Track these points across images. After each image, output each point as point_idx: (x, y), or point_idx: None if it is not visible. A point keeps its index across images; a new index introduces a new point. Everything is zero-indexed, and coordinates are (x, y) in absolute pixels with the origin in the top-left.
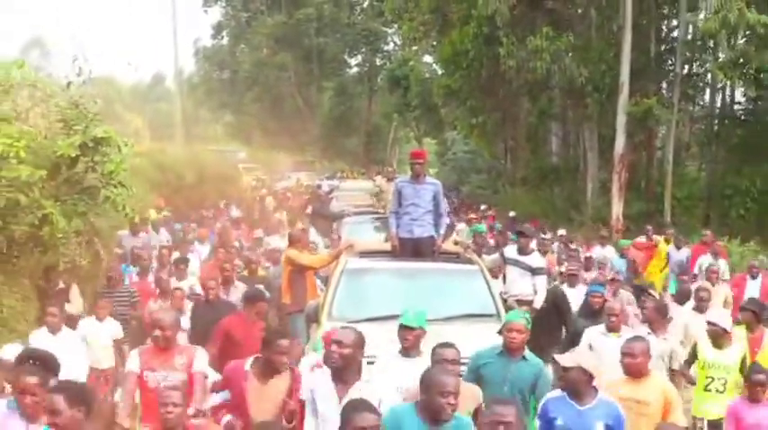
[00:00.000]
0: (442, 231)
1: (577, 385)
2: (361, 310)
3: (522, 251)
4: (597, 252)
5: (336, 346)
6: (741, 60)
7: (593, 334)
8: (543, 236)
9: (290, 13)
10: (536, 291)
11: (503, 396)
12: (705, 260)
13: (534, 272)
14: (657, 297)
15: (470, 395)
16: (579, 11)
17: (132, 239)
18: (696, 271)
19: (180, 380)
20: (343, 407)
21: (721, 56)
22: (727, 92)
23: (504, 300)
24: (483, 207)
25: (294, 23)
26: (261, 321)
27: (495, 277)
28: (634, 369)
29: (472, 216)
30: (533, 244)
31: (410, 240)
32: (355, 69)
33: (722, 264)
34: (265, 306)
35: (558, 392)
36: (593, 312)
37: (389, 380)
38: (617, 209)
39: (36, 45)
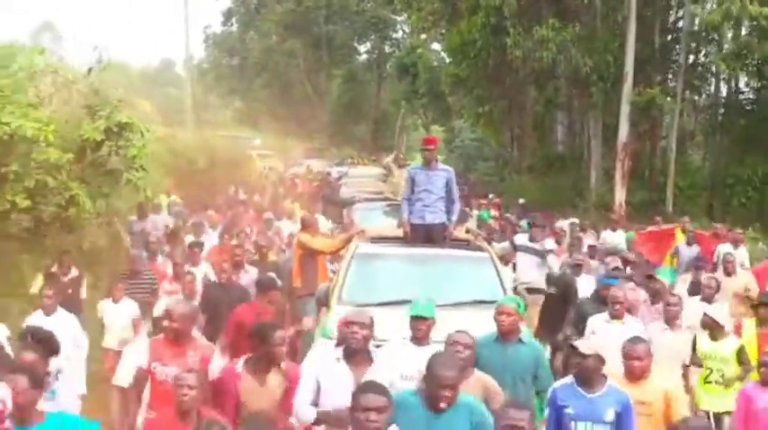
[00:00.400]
0: (454, 218)
1: (592, 373)
2: (372, 295)
3: (534, 239)
4: (609, 237)
5: (358, 328)
6: (744, 51)
7: (597, 321)
8: (556, 224)
9: (300, 0)
10: (549, 267)
11: (506, 382)
12: (724, 249)
13: (545, 254)
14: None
15: (480, 385)
16: (585, 1)
17: (139, 223)
18: (716, 260)
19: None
20: (355, 389)
21: (724, 47)
22: (732, 82)
23: (515, 288)
24: (490, 196)
25: (303, 10)
26: (273, 309)
27: (506, 264)
28: (639, 371)
29: (483, 202)
30: (545, 232)
31: (422, 226)
32: (364, 56)
33: (742, 253)
34: (278, 294)
35: (566, 380)
36: (602, 300)
37: (398, 366)
38: (620, 196)
39: (47, 29)
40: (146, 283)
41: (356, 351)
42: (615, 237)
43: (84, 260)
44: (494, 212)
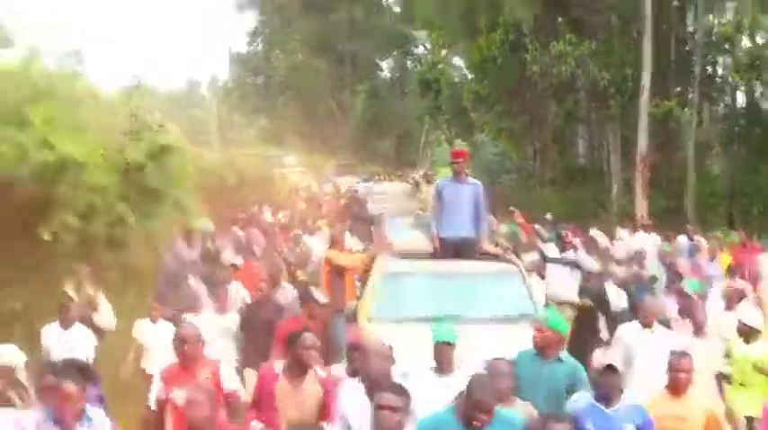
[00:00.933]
0: (483, 231)
1: (610, 388)
2: (399, 311)
3: (564, 249)
4: (641, 239)
5: (382, 360)
6: (757, 62)
7: (627, 330)
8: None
9: (323, 18)
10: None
11: (540, 398)
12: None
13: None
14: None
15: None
16: (601, 18)
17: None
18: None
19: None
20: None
21: (738, 58)
22: (748, 92)
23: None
24: (511, 208)
25: (327, 29)
26: (313, 322)
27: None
28: (684, 385)
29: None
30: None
31: (451, 240)
32: (387, 73)
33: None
34: (315, 306)
35: (584, 395)
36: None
37: (424, 401)
38: (641, 206)
39: (72, 53)
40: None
41: (378, 384)
42: (648, 241)
43: (127, 278)
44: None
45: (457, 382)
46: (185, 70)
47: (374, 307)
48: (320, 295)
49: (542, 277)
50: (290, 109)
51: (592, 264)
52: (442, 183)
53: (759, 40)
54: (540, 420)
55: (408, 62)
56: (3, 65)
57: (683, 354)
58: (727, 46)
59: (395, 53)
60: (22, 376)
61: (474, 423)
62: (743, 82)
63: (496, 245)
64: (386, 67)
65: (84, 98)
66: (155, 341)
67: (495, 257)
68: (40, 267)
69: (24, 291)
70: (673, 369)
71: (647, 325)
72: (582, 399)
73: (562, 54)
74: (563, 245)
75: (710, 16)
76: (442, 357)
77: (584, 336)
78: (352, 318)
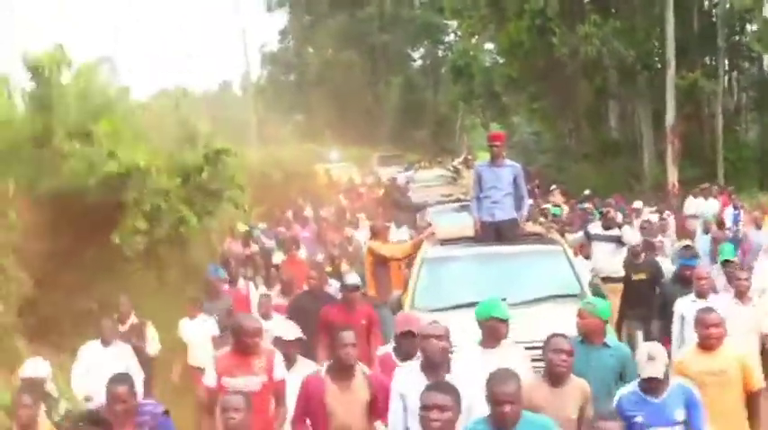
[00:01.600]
0: (525, 212)
1: (659, 383)
2: (444, 299)
3: (608, 226)
4: (700, 205)
5: (436, 340)
6: None
7: (685, 304)
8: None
9: (353, 13)
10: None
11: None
12: None
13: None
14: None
15: (579, 390)
16: None
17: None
18: None
19: (260, 382)
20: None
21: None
22: None
23: (591, 281)
24: (552, 187)
25: (357, 22)
26: (352, 309)
27: (585, 256)
28: (715, 339)
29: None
30: (619, 218)
31: (492, 224)
32: (419, 62)
33: None
34: (357, 295)
35: (630, 387)
36: (684, 281)
37: (472, 374)
38: (672, 176)
39: (105, 60)
40: (222, 305)
41: (437, 364)
42: (709, 206)
43: (188, 274)
44: (562, 202)
45: (505, 354)
46: (217, 70)
47: (417, 295)
48: (352, 278)
49: (587, 257)
50: (325, 104)
51: (635, 238)
52: (480, 168)
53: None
54: (591, 418)
55: (439, 50)
56: (65, 83)
57: (709, 310)
58: (747, 16)
59: (426, 43)
60: (51, 388)
61: (502, 421)
62: (765, 50)
63: (540, 224)
64: (417, 57)
65: (135, 109)
66: (194, 337)
67: (538, 237)
68: (112, 270)
69: (97, 292)
70: (700, 324)
71: (702, 294)
72: (629, 392)
73: (588, 35)
74: (606, 221)
75: None
76: (494, 333)
77: (638, 311)
78: (397, 307)
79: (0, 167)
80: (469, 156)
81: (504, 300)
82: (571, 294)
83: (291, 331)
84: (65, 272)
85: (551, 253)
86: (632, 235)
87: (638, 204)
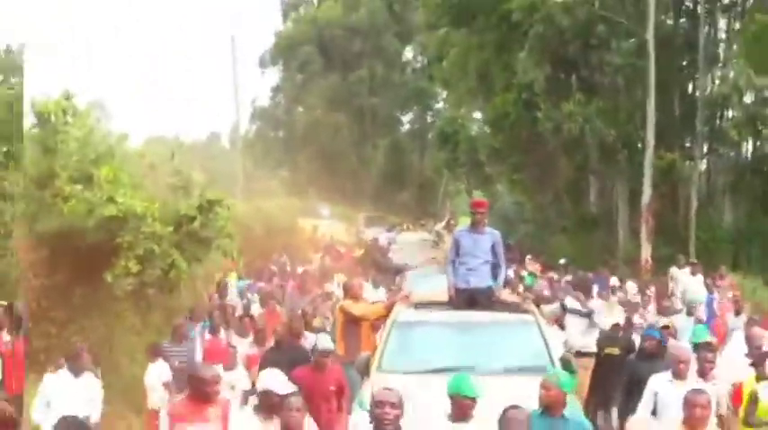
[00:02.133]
0: (501, 281)
1: None
2: (412, 363)
3: (579, 300)
4: (687, 282)
5: (389, 408)
6: (754, 119)
7: (660, 382)
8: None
9: (344, 75)
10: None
11: None
12: None
13: (592, 315)
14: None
15: None
16: (607, 80)
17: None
18: None
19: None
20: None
21: (736, 114)
22: (749, 145)
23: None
24: (528, 257)
25: (347, 84)
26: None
27: (560, 326)
28: (700, 419)
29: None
30: (594, 291)
31: (466, 290)
32: (407, 126)
33: None
34: (327, 360)
35: None
36: (648, 355)
37: None
38: (645, 252)
39: (96, 106)
40: (184, 354)
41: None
42: (695, 284)
43: (170, 318)
44: (538, 271)
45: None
46: (206, 120)
47: (386, 357)
48: (324, 342)
49: (562, 327)
50: (312, 162)
51: (603, 323)
52: (459, 233)
53: (747, 100)
54: None
55: (428, 116)
56: (72, 132)
57: (700, 391)
58: (726, 103)
59: (415, 108)
60: None
61: None
62: (742, 137)
63: (517, 294)
64: (406, 121)
65: (132, 155)
66: (151, 381)
67: (512, 307)
68: (102, 308)
69: (88, 328)
70: (689, 404)
71: (680, 376)
72: None
73: (572, 113)
74: (578, 295)
75: (710, 77)
76: (461, 411)
77: (610, 385)
78: (365, 368)
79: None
80: (452, 221)
81: (472, 368)
82: (540, 366)
83: (285, 385)
84: (59, 306)
85: (524, 323)
86: (602, 319)
87: (614, 281)
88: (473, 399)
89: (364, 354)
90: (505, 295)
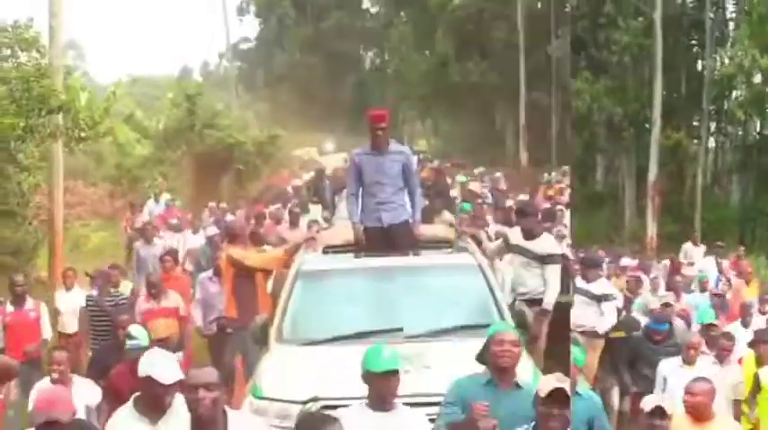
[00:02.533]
0: (418, 213)
1: None
2: (321, 328)
3: (587, 279)
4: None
5: (204, 391)
6: (758, 99)
7: (670, 367)
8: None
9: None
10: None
11: None
12: None
13: (600, 299)
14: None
15: None
16: (615, 59)
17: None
18: None
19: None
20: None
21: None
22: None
23: (514, 301)
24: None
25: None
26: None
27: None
28: (700, 407)
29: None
30: (602, 271)
31: (379, 230)
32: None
33: None
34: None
35: None
36: (653, 340)
37: None
38: (651, 230)
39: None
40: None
41: (203, 422)
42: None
43: None
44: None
45: (400, 423)
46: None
47: (288, 323)
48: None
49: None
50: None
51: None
52: (357, 157)
53: (756, 80)
54: None
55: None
56: None
57: (701, 379)
58: (734, 83)
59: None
60: None
61: None
62: (749, 117)
63: (451, 225)
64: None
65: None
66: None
67: (443, 245)
68: None
69: None
70: (687, 392)
71: (690, 362)
72: None
73: (579, 91)
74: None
75: (716, 56)
76: (384, 390)
77: (615, 367)
78: (261, 337)
79: None
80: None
81: (400, 330)
82: (485, 324)
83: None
84: None
85: (462, 266)
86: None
87: (625, 261)
88: (396, 374)
89: (260, 318)
90: (430, 229)
